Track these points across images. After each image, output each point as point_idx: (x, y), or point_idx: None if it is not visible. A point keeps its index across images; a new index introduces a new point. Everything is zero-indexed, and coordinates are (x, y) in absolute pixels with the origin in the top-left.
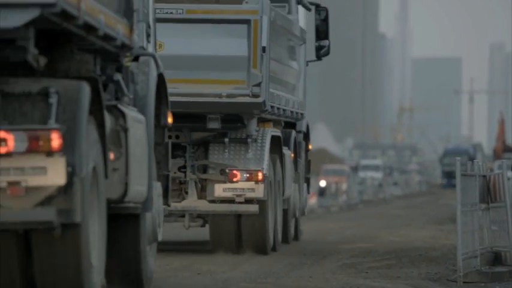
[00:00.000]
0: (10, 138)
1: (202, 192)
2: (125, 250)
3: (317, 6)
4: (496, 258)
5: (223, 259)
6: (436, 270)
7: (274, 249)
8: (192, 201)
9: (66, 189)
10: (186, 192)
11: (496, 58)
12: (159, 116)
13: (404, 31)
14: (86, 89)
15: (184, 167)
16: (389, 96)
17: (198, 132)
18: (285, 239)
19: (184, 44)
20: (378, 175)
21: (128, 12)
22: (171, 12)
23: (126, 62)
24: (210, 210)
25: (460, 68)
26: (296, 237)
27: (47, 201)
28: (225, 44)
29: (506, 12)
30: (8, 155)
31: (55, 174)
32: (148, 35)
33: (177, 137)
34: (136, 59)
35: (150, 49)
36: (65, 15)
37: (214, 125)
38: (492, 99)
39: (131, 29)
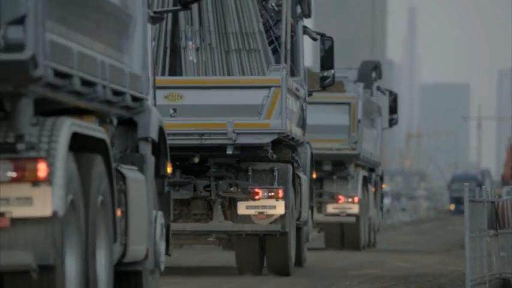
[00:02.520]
0: (260, 191)
1: (319, 209)
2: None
3: (390, 92)
4: (505, 285)
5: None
6: None
7: (363, 247)
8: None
9: (283, 216)
10: None
11: (504, 84)
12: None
13: (412, 57)
14: (290, 168)
15: None
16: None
17: (316, 172)
18: (368, 245)
19: (308, 117)
20: (386, 201)
21: (303, 124)
22: None
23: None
24: (324, 221)
25: (468, 94)
26: (374, 245)
27: (274, 221)
28: (334, 117)
29: None
30: (259, 200)
31: (279, 208)
32: (304, 131)
33: None
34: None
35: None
36: (285, 135)
37: (326, 167)
38: (500, 126)
39: (304, 133)
